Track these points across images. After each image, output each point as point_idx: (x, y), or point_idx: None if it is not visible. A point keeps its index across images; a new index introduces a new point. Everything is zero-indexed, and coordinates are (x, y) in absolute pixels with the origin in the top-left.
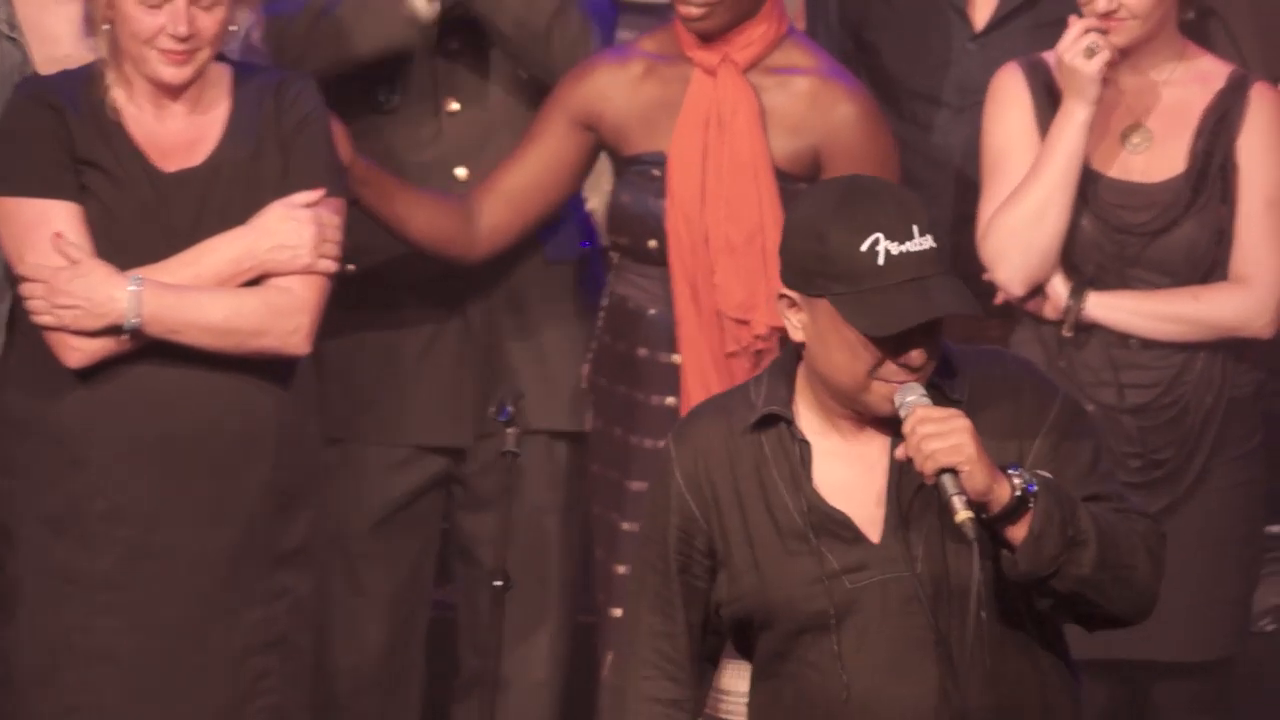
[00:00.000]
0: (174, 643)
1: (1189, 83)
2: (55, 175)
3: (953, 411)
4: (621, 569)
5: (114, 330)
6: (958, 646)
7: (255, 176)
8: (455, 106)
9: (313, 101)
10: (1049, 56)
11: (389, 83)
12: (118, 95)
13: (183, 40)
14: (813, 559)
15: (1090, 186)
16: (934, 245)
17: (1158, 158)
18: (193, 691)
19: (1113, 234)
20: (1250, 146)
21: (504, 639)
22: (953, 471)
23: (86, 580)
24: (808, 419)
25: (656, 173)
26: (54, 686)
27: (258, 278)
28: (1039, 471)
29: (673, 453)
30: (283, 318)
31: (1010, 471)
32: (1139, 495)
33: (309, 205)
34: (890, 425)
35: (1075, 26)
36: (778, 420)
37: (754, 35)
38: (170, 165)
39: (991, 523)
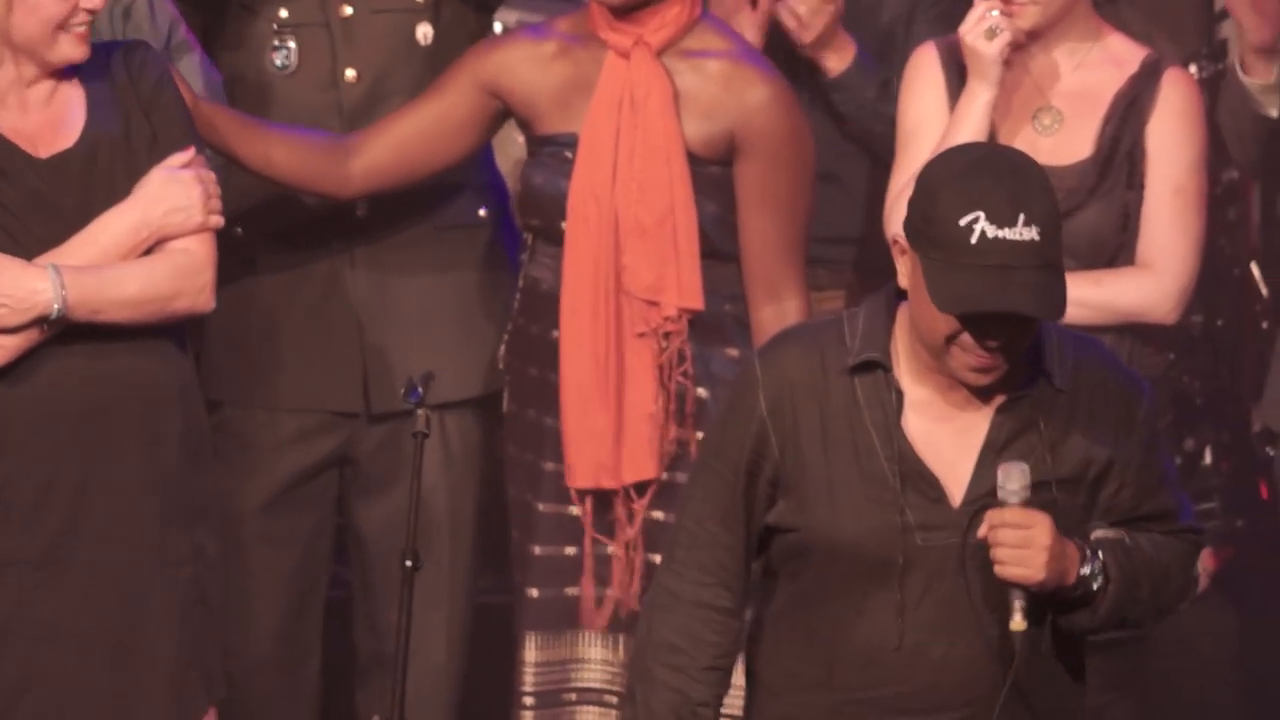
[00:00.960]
0: (118, 610)
1: (1102, 65)
2: None
3: (1033, 520)
4: (539, 550)
5: (38, 322)
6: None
7: (130, 147)
8: (353, 73)
9: (160, 64)
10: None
11: (286, 48)
12: None
13: (93, 13)
14: (892, 509)
15: None
16: (1037, 239)
17: (1066, 140)
18: (142, 656)
19: None
20: (1160, 132)
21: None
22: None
23: (21, 563)
24: (905, 369)
25: (569, 154)
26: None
27: (152, 245)
28: (1109, 536)
29: (759, 376)
30: (190, 278)
31: (1084, 572)
32: None
33: (185, 165)
34: (990, 389)
35: (978, 7)
36: (875, 366)
37: (668, 18)
38: (44, 151)
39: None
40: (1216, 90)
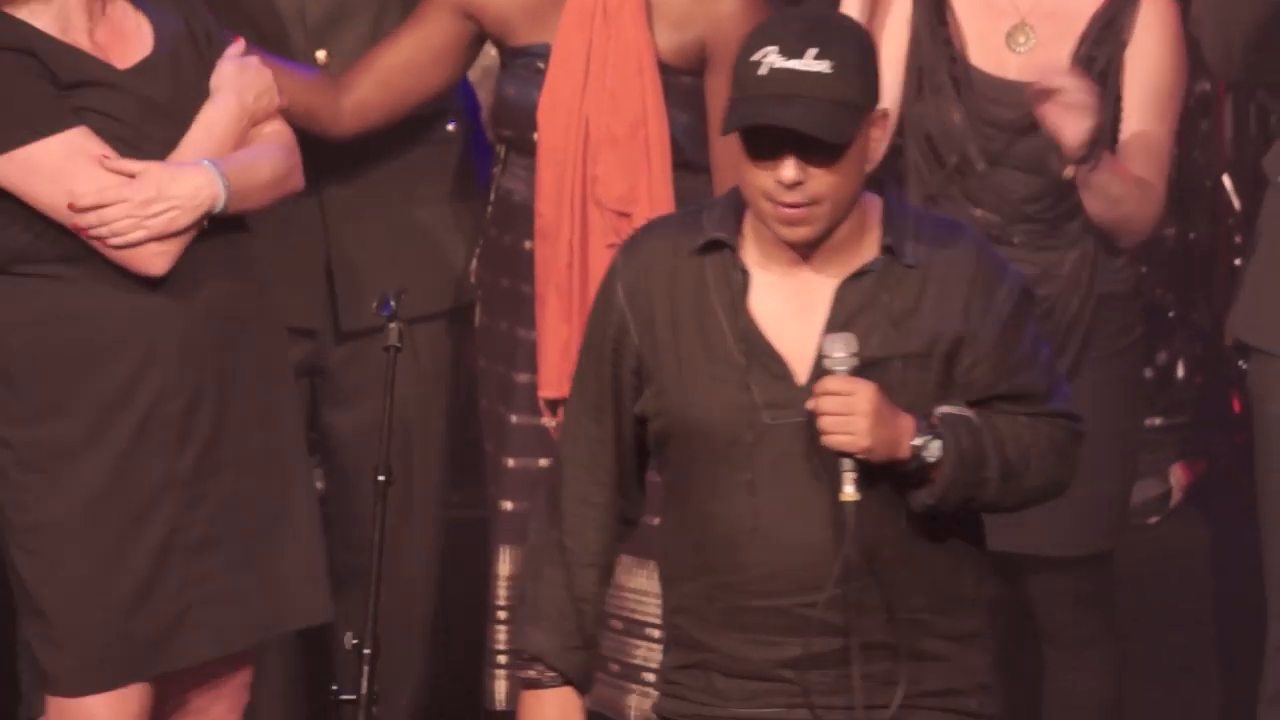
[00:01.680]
0: (255, 515)
1: None
2: (56, 108)
3: (854, 388)
4: (512, 462)
5: (201, 220)
6: (873, 500)
7: (195, 44)
8: None
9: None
10: None
11: None
12: (50, 23)
13: None
14: (738, 387)
15: (967, 81)
16: (828, 71)
17: (1039, 59)
18: (282, 555)
19: (981, 127)
20: (1139, 55)
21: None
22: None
23: (177, 485)
24: (752, 250)
25: (541, 65)
26: (165, 589)
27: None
28: (952, 412)
29: (619, 265)
30: (294, 154)
31: (919, 443)
32: None
33: (244, 52)
34: (834, 266)
35: None
36: (723, 246)
37: None
38: (124, 63)
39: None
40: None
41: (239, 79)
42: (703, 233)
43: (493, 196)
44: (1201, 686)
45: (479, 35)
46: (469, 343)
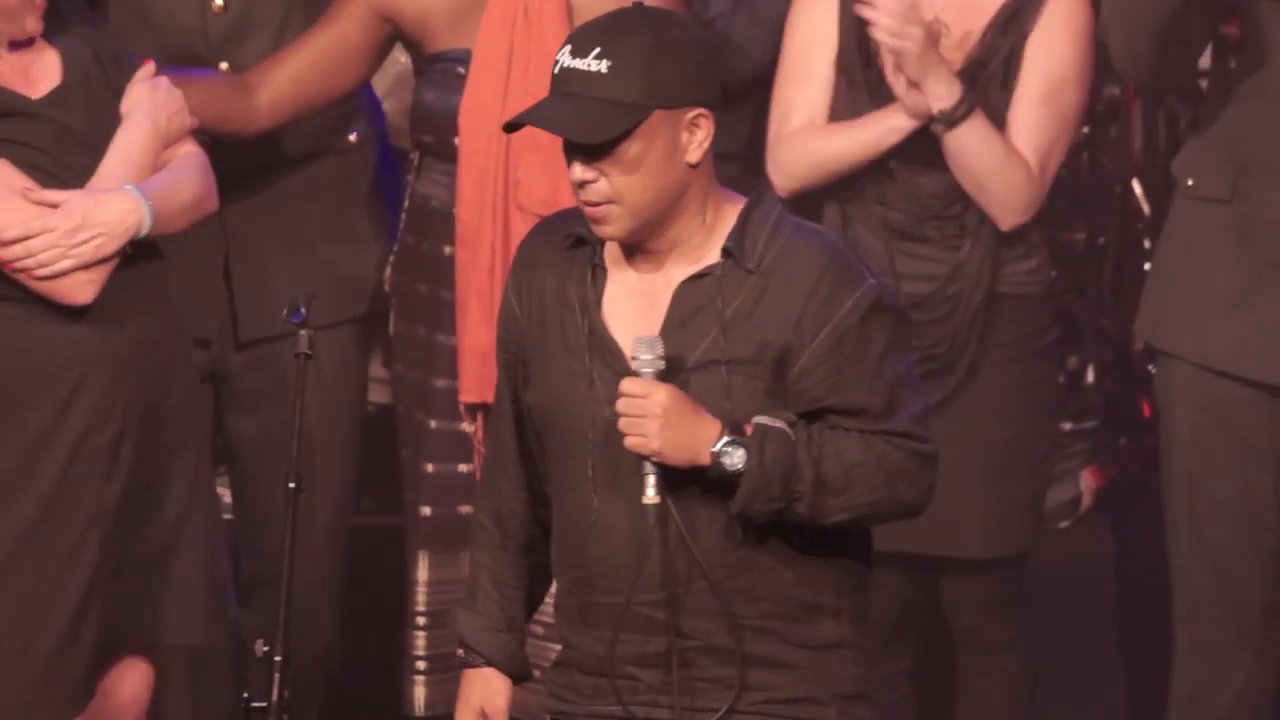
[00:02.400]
0: (145, 527)
1: None
2: None
3: (650, 390)
4: (431, 467)
5: (125, 248)
6: (701, 501)
7: (103, 68)
8: (220, 2)
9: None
10: None
11: None
12: None
13: None
14: (584, 381)
15: (878, 81)
16: (604, 71)
17: (948, 50)
18: (168, 569)
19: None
20: (1039, 41)
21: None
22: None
23: (105, 516)
24: (615, 247)
25: (461, 70)
26: (90, 622)
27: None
28: (766, 422)
29: (514, 260)
30: (208, 175)
31: (717, 449)
32: None
33: (154, 75)
34: (679, 267)
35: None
36: (586, 242)
37: None
38: (36, 92)
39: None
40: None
41: (151, 101)
42: (573, 230)
43: (407, 203)
44: (1111, 690)
45: (393, 37)
46: (372, 350)
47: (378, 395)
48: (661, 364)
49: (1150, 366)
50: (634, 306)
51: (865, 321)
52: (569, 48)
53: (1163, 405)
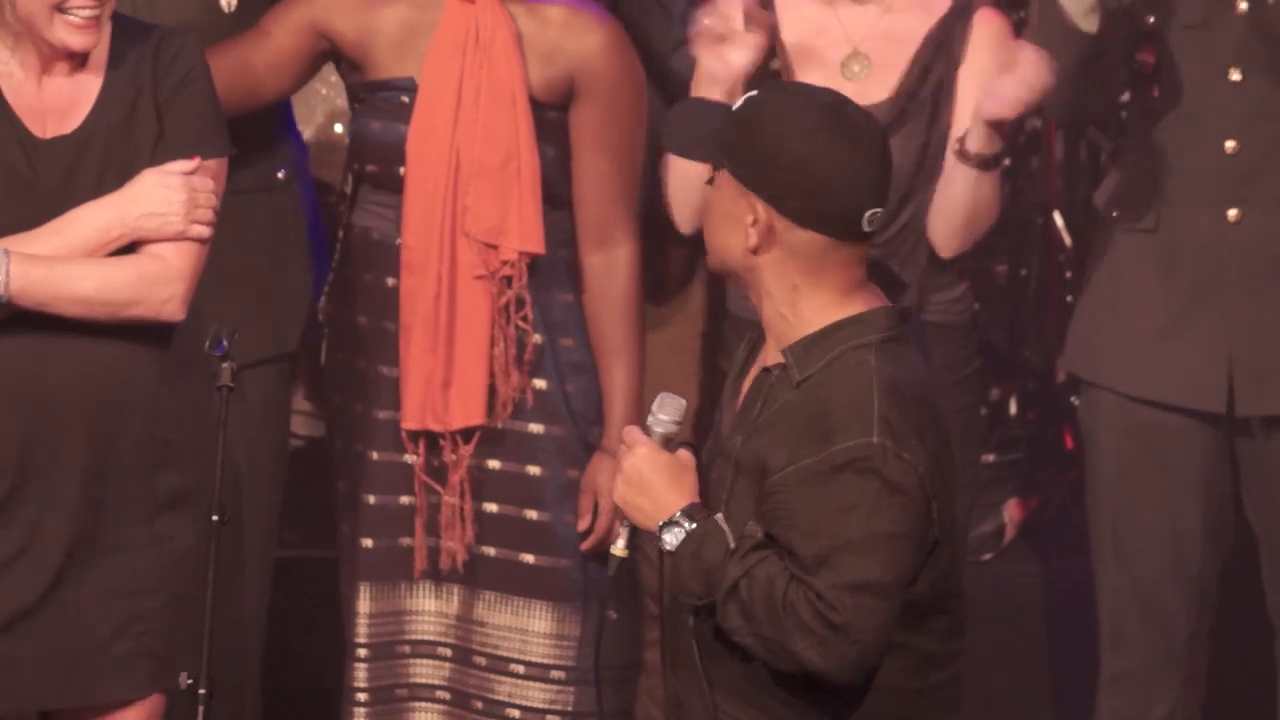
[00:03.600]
0: (45, 585)
1: (911, 9)
2: None
3: (631, 445)
4: (373, 499)
5: None
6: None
7: (129, 141)
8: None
9: (191, 60)
10: None
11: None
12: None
13: (95, 7)
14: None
15: None
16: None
17: (871, 85)
18: (63, 627)
19: None
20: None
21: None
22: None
23: None
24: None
25: (406, 99)
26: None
27: (131, 245)
28: (718, 524)
29: None
30: (156, 286)
31: (664, 522)
32: None
33: (184, 173)
34: (769, 351)
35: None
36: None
37: None
38: (47, 131)
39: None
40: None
41: (139, 190)
42: None
43: (342, 234)
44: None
45: (325, 55)
46: (296, 384)
47: (300, 428)
48: (675, 429)
49: (1074, 398)
50: (735, 382)
51: (839, 472)
52: None
53: (1088, 434)
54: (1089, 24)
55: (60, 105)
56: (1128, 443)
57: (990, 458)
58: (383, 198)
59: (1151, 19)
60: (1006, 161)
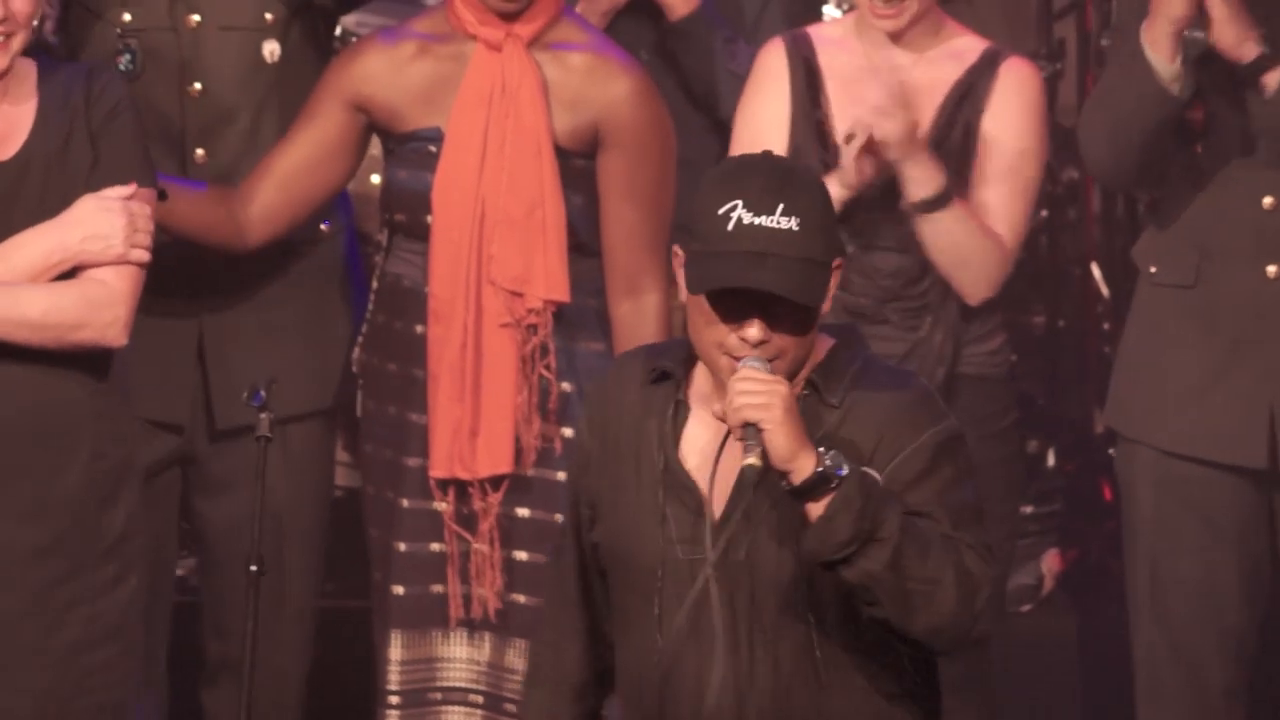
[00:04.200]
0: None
1: (943, 59)
2: None
3: (776, 379)
4: (404, 546)
5: None
6: (771, 642)
7: (65, 169)
8: (198, 87)
9: (120, 92)
10: (814, 31)
11: (130, 51)
12: None
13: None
14: (656, 519)
15: (835, 163)
16: (795, 229)
17: None
18: (18, 687)
19: (852, 211)
20: (995, 118)
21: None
22: (757, 428)
23: None
24: (700, 384)
25: (433, 149)
26: None
27: (72, 271)
28: (866, 469)
29: (587, 397)
30: (100, 310)
31: (824, 451)
32: None
33: (122, 198)
34: None
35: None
36: (667, 376)
37: (536, 10)
38: None
39: (793, 496)
40: (1055, 89)
41: (79, 215)
42: (659, 364)
43: (376, 284)
44: None
45: (369, 126)
46: (338, 436)
47: (338, 478)
48: (764, 368)
49: (1111, 450)
50: (714, 443)
51: (937, 454)
52: (739, 202)
53: (1125, 486)
54: (1179, 88)
55: None
56: (1166, 496)
57: (1028, 509)
58: (413, 245)
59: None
60: (1044, 213)
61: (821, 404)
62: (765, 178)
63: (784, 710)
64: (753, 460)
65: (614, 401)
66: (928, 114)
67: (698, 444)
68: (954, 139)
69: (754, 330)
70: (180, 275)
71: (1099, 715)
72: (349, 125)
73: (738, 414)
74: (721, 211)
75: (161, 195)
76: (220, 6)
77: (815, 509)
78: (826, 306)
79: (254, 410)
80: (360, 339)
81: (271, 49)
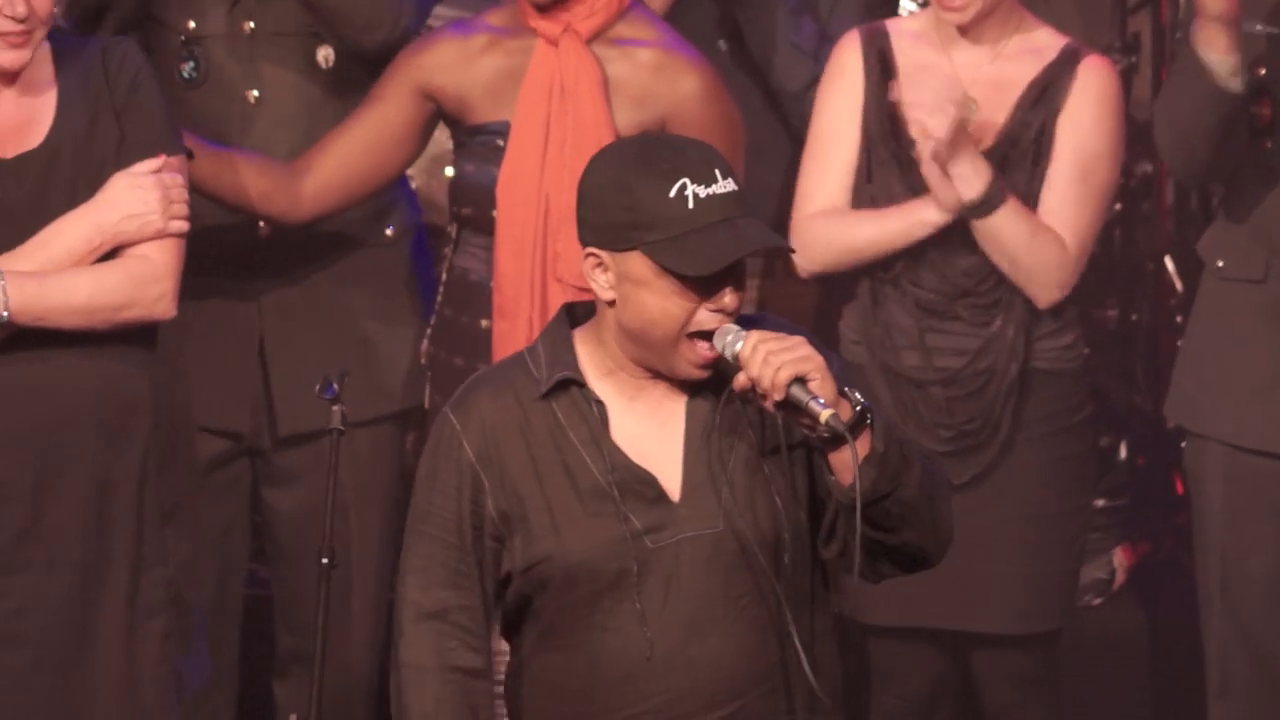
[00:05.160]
0: (71, 616)
1: (1021, 55)
2: None
3: (791, 334)
4: None
5: None
6: (767, 601)
7: (93, 150)
8: (256, 94)
9: (138, 63)
10: (892, 24)
11: (194, 59)
12: None
13: (21, 21)
14: (615, 519)
15: (909, 158)
16: (736, 188)
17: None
18: (95, 660)
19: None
20: (1071, 117)
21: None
22: (801, 381)
23: None
24: (597, 381)
25: (500, 142)
26: None
27: (114, 251)
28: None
29: (457, 427)
30: (146, 286)
31: (847, 390)
32: (950, 464)
33: (152, 172)
34: (683, 384)
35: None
36: (569, 385)
37: (596, 5)
38: (8, 151)
39: (827, 442)
40: (1129, 83)
41: (114, 195)
42: (540, 376)
43: (444, 277)
44: None
45: (436, 115)
46: (408, 439)
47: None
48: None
49: (1182, 443)
50: (646, 431)
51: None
52: (685, 179)
53: (1195, 481)
54: (1236, 84)
55: (14, 125)
56: (1236, 490)
57: (1100, 503)
58: (480, 240)
59: (1263, 71)
60: (1118, 207)
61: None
62: (684, 152)
63: (763, 670)
64: (830, 411)
65: (496, 426)
66: (1003, 112)
67: (628, 437)
68: (1028, 138)
69: (729, 298)
70: (241, 279)
71: (1168, 710)
72: (415, 112)
73: (782, 373)
74: (672, 194)
75: (188, 155)
76: (273, 12)
77: (860, 446)
78: None
79: (321, 411)
80: (429, 332)
81: (325, 54)
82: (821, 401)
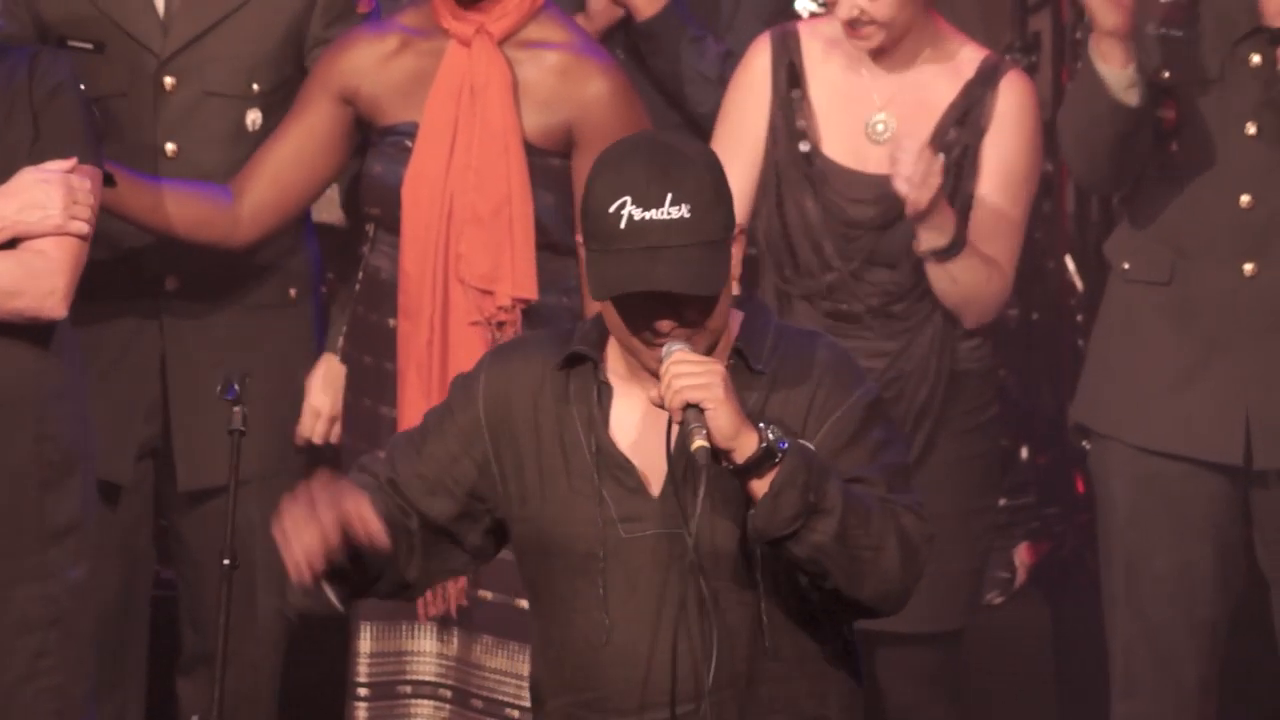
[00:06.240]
0: None
1: (938, 75)
2: None
3: (711, 360)
4: None
5: None
6: (720, 611)
7: (6, 145)
8: (171, 148)
9: (65, 72)
10: (804, 29)
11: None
12: None
13: None
14: (593, 501)
15: (822, 177)
16: (686, 216)
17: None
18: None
19: (838, 226)
20: (995, 141)
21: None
22: (699, 409)
23: None
24: (616, 364)
25: (408, 143)
26: None
27: (11, 242)
28: (801, 440)
29: (486, 363)
30: (38, 279)
31: (764, 426)
32: None
33: (62, 171)
34: None
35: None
36: (586, 360)
37: (509, 6)
38: None
39: (736, 474)
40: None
41: (16, 186)
42: (570, 347)
43: (360, 274)
44: None
45: (357, 119)
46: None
47: None
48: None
49: (1084, 443)
50: (643, 423)
51: (868, 415)
52: (628, 198)
53: (1099, 482)
54: (1133, 98)
55: None
56: (1140, 491)
57: (1002, 501)
58: (391, 239)
59: (1167, 74)
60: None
61: (749, 372)
62: (648, 167)
63: (732, 678)
64: (701, 442)
65: (522, 380)
66: (926, 131)
67: (626, 424)
68: (951, 159)
69: (664, 324)
70: (145, 335)
71: (1071, 708)
72: (338, 118)
73: (678, 396)
74: (612, 210)
75: (109, 180)
76: (208, 73)
77: (759, 485)
78: (736, 272)
79: (219, 473)
80: (345, 330)
81: (254, 117)
82: (704, 432)
